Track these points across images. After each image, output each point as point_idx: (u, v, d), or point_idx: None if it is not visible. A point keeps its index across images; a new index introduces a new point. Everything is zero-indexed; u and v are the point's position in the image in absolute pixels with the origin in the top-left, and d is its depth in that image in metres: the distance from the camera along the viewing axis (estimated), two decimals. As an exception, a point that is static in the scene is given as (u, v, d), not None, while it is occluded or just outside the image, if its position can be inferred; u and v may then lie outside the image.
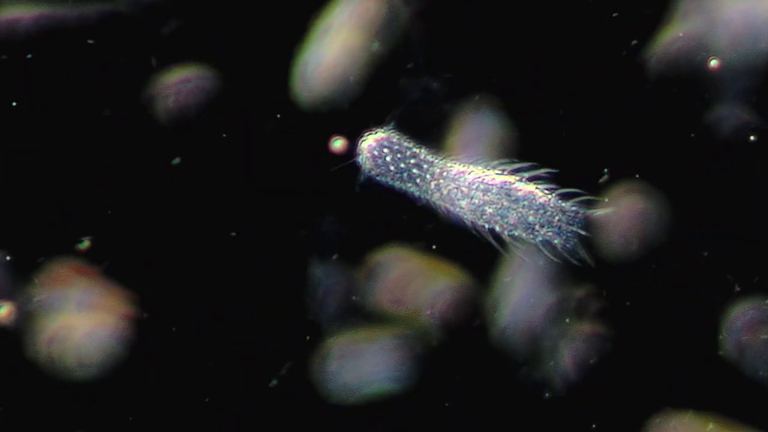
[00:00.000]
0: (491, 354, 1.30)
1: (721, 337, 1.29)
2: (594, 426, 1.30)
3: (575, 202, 1.25)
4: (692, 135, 1.30)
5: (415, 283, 1.31)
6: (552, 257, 1.25)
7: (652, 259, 1.30)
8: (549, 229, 1.23)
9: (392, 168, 1.24)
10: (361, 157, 1.26)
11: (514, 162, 1.26)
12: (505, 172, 1.25)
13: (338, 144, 1.26)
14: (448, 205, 1.24)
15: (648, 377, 1.30)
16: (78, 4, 1.31)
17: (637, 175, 1.30)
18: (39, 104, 1.31)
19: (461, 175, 1.24)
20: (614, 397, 1.30)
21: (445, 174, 1.24)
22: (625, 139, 1.30)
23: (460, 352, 1.31)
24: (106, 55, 1.31)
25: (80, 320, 1.29)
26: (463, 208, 1.23)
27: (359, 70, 1.30)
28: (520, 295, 1.30)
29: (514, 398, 1.31)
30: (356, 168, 1.26)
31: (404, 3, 1.31)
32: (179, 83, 1.30)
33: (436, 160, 1.25)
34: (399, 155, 1.24)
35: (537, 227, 1.23)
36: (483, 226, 1.24)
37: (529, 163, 1.26)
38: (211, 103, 1.31)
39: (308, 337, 1.31)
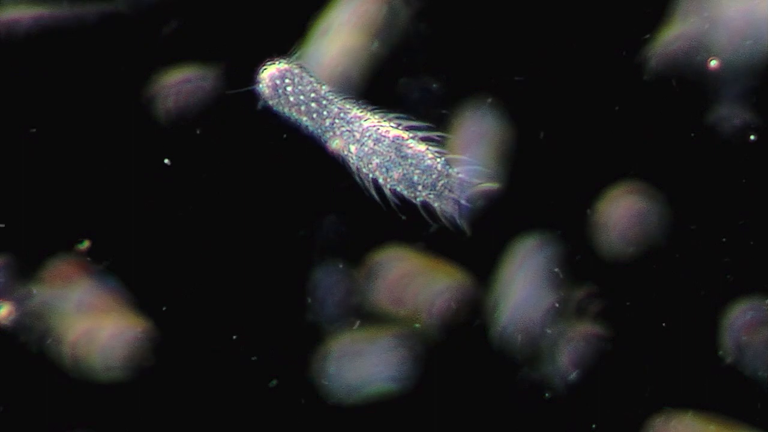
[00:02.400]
0: (491, 354, 1.30)
1: (721, 337, 1.29)
2: (594, 426, 1.30)
3: (464, 170, 1.24)
4: (692, 135, 1.30)
5: (415, 283, 1.31)
6: (430, 221, 1.24)
7: (652, 259, 1.30)
8: (431, 192, 1.22)
9: (291, 99, 1.23)
10: (261, 84, 1.25)
11: (412, 119, 1.25)
12: (402, 127, 1.25)
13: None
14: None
15: (648, 377, 1.30)
16: (78, 4, 1.31)
17: (637, 175, 1.30)
18: (39, 104, 1.31)
19: (358, 120, 1.23)
20: (614, 397, 1.30)
21: (342, 115, 1.23)
22: (625, 139, 1.30)
23: (460, 352, 1.31)
24: (106, 55, 1.31)
25: (103, 323, 1.29)
26: (351, 152, 1.22)
27: (359, 70, 1.30)
28: (520, 295, 1.30)
29: (514, 398, 1.31)
30: (255, 95, 1.25)
31: (404, 3, 1.31)
32: (179, 83, 1.30)
33: (336, 100, 1.24)
34: (300, 87, 1.23)
35: (420, 187, 1.22)
36: (367, 175, 1.23)
37: (428, 124, 1.25)
38: (212, 103, 1.31)
39: (308, 337, 1.31)
